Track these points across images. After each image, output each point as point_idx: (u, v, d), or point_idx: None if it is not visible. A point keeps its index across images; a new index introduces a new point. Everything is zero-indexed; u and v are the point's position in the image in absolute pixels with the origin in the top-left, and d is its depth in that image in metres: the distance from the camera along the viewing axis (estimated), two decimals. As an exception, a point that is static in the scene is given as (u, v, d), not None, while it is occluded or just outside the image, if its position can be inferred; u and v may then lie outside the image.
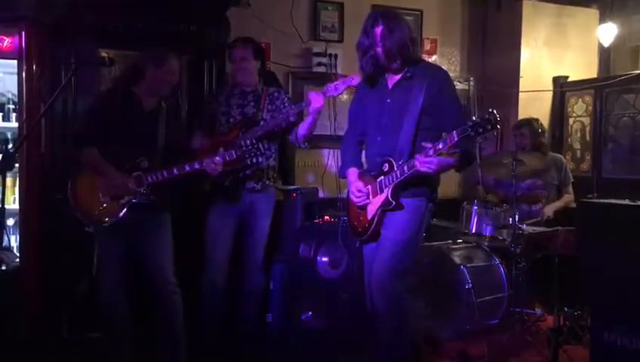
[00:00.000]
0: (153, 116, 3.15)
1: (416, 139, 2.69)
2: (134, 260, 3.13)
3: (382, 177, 2.74)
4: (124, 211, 3.00)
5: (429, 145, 2.55)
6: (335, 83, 3.41)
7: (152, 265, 3.11)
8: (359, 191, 2.82)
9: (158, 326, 3.22)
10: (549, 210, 4.40)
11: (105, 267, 3.16)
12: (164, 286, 3.11)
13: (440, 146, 2.53)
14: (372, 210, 2.79)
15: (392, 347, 2.78)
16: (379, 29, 2.70)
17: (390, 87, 2.80)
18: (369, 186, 2.81)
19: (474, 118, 2.45)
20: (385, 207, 2.74)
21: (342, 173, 3.01)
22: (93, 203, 3.03)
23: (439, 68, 2.89)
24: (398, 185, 2.70)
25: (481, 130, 2.42)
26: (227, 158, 3.12)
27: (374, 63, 2.75)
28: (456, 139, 2.47)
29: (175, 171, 3.03)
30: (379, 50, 2.70)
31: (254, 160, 3.35)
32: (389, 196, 2.71)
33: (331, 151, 4.98)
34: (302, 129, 3.56)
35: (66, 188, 3.07)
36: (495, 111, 2.43)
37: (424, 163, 2.57)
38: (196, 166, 3.07)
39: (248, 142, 3.17)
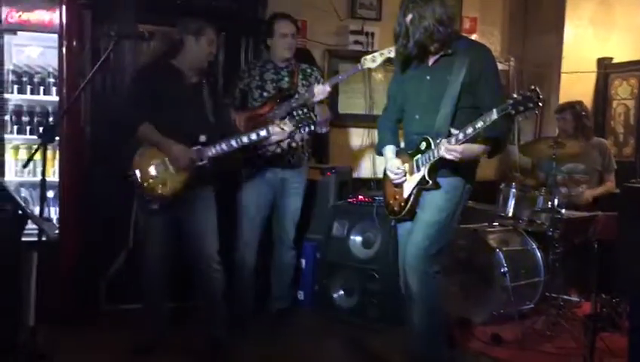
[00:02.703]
0: (197, 91, 3.14)
1: (455, 117, 2.64)
2: (178, 235, 3.15)
3: (419, 155, 2.70)
4: (187, 187, 3.02)
5: (455, 132, 2.54)
6: (372, 55, 3.41)
7: (197, 242, 3.12)
8: (397, 168, 2.78)
9: (199, 301, 3.25)
10: (589, 195, 4.29)
11: (150, 241, 3.18)
12: (208, 264, 3.12)
13: (460, 137, 2.52)
14: (408, 188, 2.76)
15: (426, 328, 2.76)
16: (408, 18, 2.66)
17: (430, 63, 2.74)
18: (406, 164, 2.77)
19: (514, 95, 2.38)
20: (421, 186, 2.70)
21: (378, 150, 2.97)
22: (159, 180, 3.04)
23: (482, 45, 2.81)
24: (435, 164, 2.66)
25: (522, 108, 2.36)
26: (287, 128, 3.06)
27: (408, 52, 2.71)
28: (495, 117, 2.42)
29: (235, 143, 3.01)
30: (409, 40, 2.66)
31: (306, 129, 3.30)
32: (426, 175, 2.67)
33: (366, 131, 4.93)
34: (318, 116, 3.59)
35: (129, 167, 3.05)
36: (537, 89, 2.36)
37: (449, 150, 2.55)
38: (262, 134, 3.03)
39: (300, 111, 3.15)
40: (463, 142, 2.54)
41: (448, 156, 2.56)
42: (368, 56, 3.40)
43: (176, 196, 3.03)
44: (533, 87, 2.38)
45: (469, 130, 2.50)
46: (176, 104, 3.06)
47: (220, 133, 3.07)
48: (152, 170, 3.04)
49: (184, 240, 3.14)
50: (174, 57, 3.14)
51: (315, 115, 3.58)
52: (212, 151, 3.02)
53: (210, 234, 3.13)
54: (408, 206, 2.75)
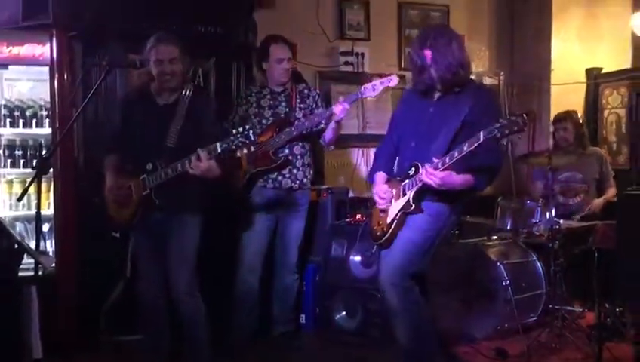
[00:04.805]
0: (167, 111, 3.03)
1: (449, 150, 2.65)
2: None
3: (406, 181, 2.71)
4: (136, 217, 3.02)
5: (437, 158, 2.58)
6: (373, 83, 3.38)
7: (168, 271, 3.03)
8: (383, 193, 2.79)
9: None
10: (597, 206, 4.27)
11: (138, 265, 3.17)
12: (174, 291, 3.03)
13: (447, 160, 2.55)
14: (392, 213, 2.76)
15: (412, 343, 2.75)
16: (428, 53, 2.69)
17: (436, 98, 2.79)
18: (393, 190, 2.78)
19: (501, 120, 2.43)
20: (405, 210, 2.71)
21: (370, 177, 2.97)
22: (112, 209, 3.08)
23: (488, 90, 2.89)
24: (420, 189, 2.66)
25: (507, 132, 2.42)
26: (210, 153, 2.81)
27: (428, 85, 2.76)
28: (481, 140, 2.45)
29: (170, 172, 2.91)
30: (433, 74, 2.70)
31: (286, 154, 3.25)
32: (410, 199, 2.68)
33: (360, 150, 4.94)
34: (327, 134, 3.58)
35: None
36: (524, 115, 2.42)
37: (429, 174, 2.57)
38: (184, 167, 2.86)
39: (233, 133, 2.79)
40: (444, 168, 2.56)
41: (427, 180, 2.58)
42: (368, 85, 3.40)
43: (128, 224, 3.05)
44: (519, 112, 2.45)
45: (455, 154, 2.54)
46: (142, 130, 3.05)
47: (184, 154, 2.91)
48: (109, 200, 3.08)
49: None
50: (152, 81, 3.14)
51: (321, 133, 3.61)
52: (153, 181, 2.95)
53: (179, 262, 3.01)
54: (390, 231, 2.75)
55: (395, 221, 2.74)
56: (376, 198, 2.83)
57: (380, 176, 2.89)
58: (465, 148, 2.50)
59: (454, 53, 2.68)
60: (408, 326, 2.74)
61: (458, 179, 2.61)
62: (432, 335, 2.83)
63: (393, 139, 2.94)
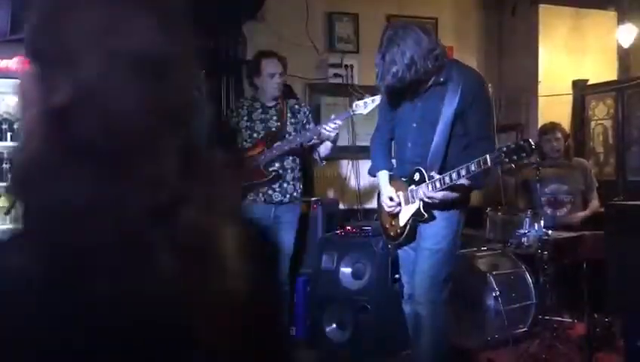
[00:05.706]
0: None
1: (448, 146, 2.66)
2: None
3: (413, 186, 2.72)
4: None
5: (437, 177, 2.60)
6: (364, 101, 3.39)
7: None
8: (391, 199, 2.79)
9: None
10: (576, 219, 4.30)
11: None
12: None
13: (447, 180, 2.57)
14: (404, 217, 2.78)
15: (434, 356, 2.76)
16: (386, 58, 2.63)
17: (422, 91, 2.70)
18: (400, 193, 2.78)
19: (509, 144, 2.45)
20: (417, 217, 2.72)
21: (372, 172, 2.97)
22: None
23: (474, 71, 2.83)
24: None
25: (515, 158, 2.42)
26: None
27: (391, 88, 2.72)
28: (489, 164, 2.46)
29: None
30: (389, 79, 2.62)
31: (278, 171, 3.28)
32: (421, 208, 2.69)
33: (350, 162, 4.95)
34: (323, 150, 3.59)
35: None
36: (531, 140, 2.43)
37: (428, 197, 2.62)
38: None
39: None
40: (445, 188, 2.58)
41: (427, 201, 2.63)
42: (360, 102, 3.41)
43: None
44: (526, 138, 2.50)
45: (454, 176, 2.55)
46: None
47: None
48: None
49: None
50: None
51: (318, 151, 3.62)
52: None
53: None
54: (406, 233, 2.78)
55: (409, 224, 2.77)
56: (385, 205, 2.84)
57: (384, 176, 2.87)
58: (472, 169, 2.49)
59: (406, 51, 2.53)
60: (432, 343, 2.75)
61: (454, 194, 2.64)
62: (449, 352, 2.86)
63: (386, 131, 2.92)
